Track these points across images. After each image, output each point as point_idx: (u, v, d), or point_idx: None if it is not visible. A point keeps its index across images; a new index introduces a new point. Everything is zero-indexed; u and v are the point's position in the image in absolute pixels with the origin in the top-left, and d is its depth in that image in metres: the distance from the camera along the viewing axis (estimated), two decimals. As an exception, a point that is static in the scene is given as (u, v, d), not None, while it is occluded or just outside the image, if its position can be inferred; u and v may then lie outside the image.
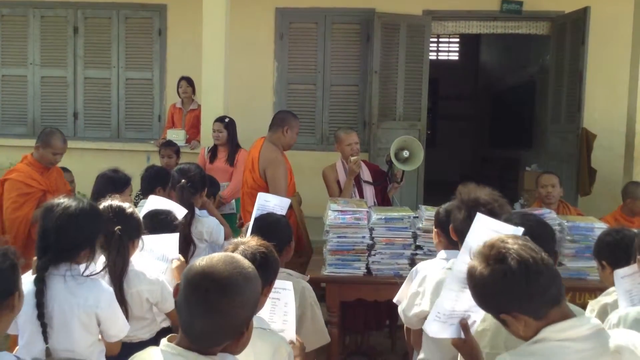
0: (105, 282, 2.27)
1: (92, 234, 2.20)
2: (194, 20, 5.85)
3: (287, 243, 2.59)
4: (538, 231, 1.99)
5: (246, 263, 1.45)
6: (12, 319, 1.76)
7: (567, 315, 1.51)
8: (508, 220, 1.99)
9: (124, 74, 7.04)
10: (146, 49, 7.00)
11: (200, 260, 1.43)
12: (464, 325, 1.82)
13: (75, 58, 7.05)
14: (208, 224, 3.37)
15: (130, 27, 7.00)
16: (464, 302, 1.78)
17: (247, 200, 4.12)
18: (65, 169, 4.83)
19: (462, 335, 1.82)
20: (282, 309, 2.08)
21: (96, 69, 7.06)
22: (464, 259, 1.70)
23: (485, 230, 1.79)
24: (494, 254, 1.51)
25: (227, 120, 5.03)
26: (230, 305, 1.36)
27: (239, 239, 2.04)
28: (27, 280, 2.13)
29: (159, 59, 6.99)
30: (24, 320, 2.11)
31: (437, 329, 1.83)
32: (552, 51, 6.88)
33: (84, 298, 2.13)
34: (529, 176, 6.85)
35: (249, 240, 2.01)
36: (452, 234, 2.38)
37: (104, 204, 2.47)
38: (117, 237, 2.37)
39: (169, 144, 5.37)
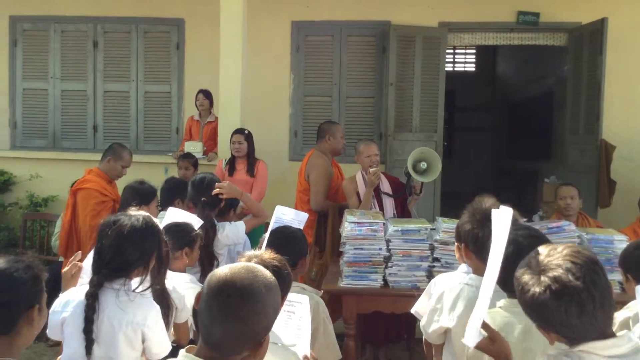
0: (153, 301, 2.29)
1: (147, 251, 2.22)
2: (212, 34, 5.92)
3: (302, 257, 2.59)
4: (528, 244, 1.92)
5: (267, 273, 1.46)
6: (32, 334, 1.71)
7: (605, 333, 1.48)
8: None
9: (143, 87, 7.13)
10: (164, 62, 7.09)
11: (223, 269, 1.45)
12: (485, 325, 1.77)
13: (95, 72, 7.16)
14: (223, 228, 3.39)
15: (149, 41, 7.10)
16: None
17: (298, 203, 4.73)
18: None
19: (485, 334, 1.76)
20: (296, 323, 2.07)
21: (115, 83, 7.16)
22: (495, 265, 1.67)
23: (504, 224, 1.73)
24: (554, 290, 1.45)
25: (247, 132, 5.06)
26: (251, 312, 1.37)
27: (252, 252, 2.04)
28: (77, 292, 2.17)
29: (177, 72, 7.07)
30: (71, 332, 2.13)
31: (472, 338, 1.78)
32: (569, 62, 6.84)
33: (133, 314, 2.15)
34: (548, 188, 6.79)
35: (261, 253, 2.02)
36: (465, 252, 2.33)
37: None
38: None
39: (187, 156, 5.42)
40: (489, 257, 1.74)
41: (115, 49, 7.14)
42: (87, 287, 2.18)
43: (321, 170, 4.66)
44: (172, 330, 2.55)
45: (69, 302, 2.17)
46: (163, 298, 2.43)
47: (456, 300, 2.25)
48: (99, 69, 7.16)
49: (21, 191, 6.66)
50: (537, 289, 1.47)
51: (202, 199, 3.40)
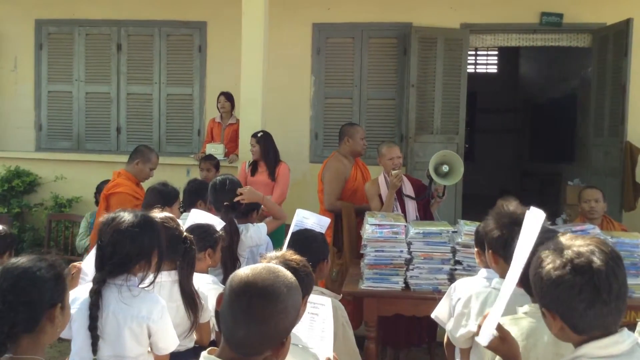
0: (158, 296, 2.32)
1: (146, 246, 2.23)
2: (233, 36, 5.96)
3: (322, 260, 2.58)
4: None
5: (288, 273, 1.47)
6: (55, 332, 1.75)
7: (608, 330, 1.46)
8: None
9: (165, 90, 7.21)
10: (187, 65, 7.16)
11: (244, 269, 1.46)
12: (498, 325, 1.75)
13: (119, 74, 7.25)
14: (247, 230, 3.41)
15: (172, 44, 7.17)
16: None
17: (320, 205, 4.83)
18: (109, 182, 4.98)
19: (496, 334, 1.75)
20: (319, 325, 2.07)
21: (138, 85, 7.25)
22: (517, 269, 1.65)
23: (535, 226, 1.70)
24: (575, 265, 1.44)
25: (259, 134, 5.04)
26: (273, 312, 1.38)
27: (274, 253, 2.05)
28: (84, 290, 2.20)
29: (198, 74, 7.13)
30: (77, 329, 2.16)
31: (487, 336, 1.76)
32: (593, 63, 6.75)
33: (137, 309, 2.17)
34: (572, 191, 6.70)
35: (283, 253, 2.02)
36: (488, 258, 2.31)
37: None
38: (190, 249, 2.48)
39: (209, 158, 5.47)
40: (513, 257, 1.72)
41: (139, 51, 7.23)
42: (87, 287, 2.21)
43: (334, 171, 4.77)
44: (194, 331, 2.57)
45: (76, 299, 2.19)
46: (191, 298, 2.45)
47: (484, 305, 2.24)
48: (122, 71, 7.25)
49: (46, 192, 6.76)
50: (558, 262, 1.46)
51: (225, 203, 3.42)
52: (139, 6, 7.14)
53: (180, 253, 2.49)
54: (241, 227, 3.42)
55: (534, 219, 1.64)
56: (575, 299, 1.43)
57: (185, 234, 2.56)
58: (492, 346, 1.72)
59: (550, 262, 1.48)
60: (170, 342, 2.27)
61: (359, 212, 4.58)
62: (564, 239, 1.54)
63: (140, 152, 4.58)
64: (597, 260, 1.44)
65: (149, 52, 7.20)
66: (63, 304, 1.76)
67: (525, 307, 1.90)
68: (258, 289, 1.39)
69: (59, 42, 7.36)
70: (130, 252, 2.19)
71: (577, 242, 1.50)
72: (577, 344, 1.49)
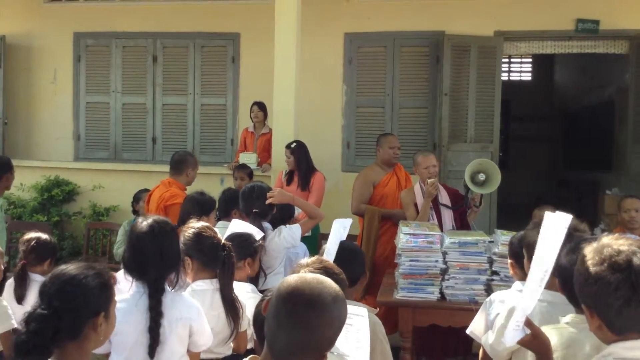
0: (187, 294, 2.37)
1: (170, 253, 2.30)
2: (266, 47, 6.02)
3: (363, 273, 2.61)
4: None
5: (335, 285, 1.48)
6: (98, 340, 1.77)
7: None
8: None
9: (200, 100, 7.31)
10: (220, 75, 7.25)
11: (293, 276, 1.48)
12: (528, 321, 1.74)
13: (154, 86, 7.39)
14: (280, 232, 3.43)
15: (206, 55, 7.28)
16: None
17: None
18: (146, 191, 5.11)
19: (528, 331, 1.75)
20: (354, 336, 2.06)
21: (173, 96, 7.37)
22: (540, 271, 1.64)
23: (557, 229, 1.67)
24: (614, 262, 1.45)
25: (293, 145, 5.09)
26: (317, 320, 1.39)
27: (305, 260, 2.06)
28: (123, 301, 2.22)
29: (232, 85, 7.22)
30: (123, 339, 2.17)
31: (514, 336, 1.76)
32: (631, 70, 6.62)
33: (179, 311, 2.22)
34: (610, 200, 6.55)
35: (319, 259, 2.04)
36: (526, 267, 2.28)
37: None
38: (229, 257, 2.52)
39: (243, 167, 5.52)
40: (534, 260, 1.70)
41: (174, 63, 7.36)
42: (125, 296, 2.23)
43: (362, 177, 4.96)
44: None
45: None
46: (233, 306, 2.48)
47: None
48: (158, 82, 7.38)
49: (84, 201, 6.91)
50: (597, 258, 1.48)
51: (254, 210, 3.45)
52: (174, 18, 7.28)
53: (220, 261, 2.52)
54: (274, 230, 3.45)
55: (558, 223, 1.63)
56: (612, 296, 1.43)
57: (223, 242, 2.58)
58: (523, 342, 1.74)
59: (590, 259, 1.50)
60: (208, 338, 2.33)
61: (385, 217, 4.69)
62: (607, 238, 1.55)
63: (187, 161, 4.61)
64: (637, 260, 1.44)
65: (183, 64, 7.32)
66: (107, 313, 1.78)
67: (568, 317, 1.88)
68: (305, 296, 1.41)
69: (97, 55, 7.54)
70: (172, 258, 2.25)
71: (619, 241, 1.51)
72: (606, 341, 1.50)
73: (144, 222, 2.31)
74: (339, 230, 2.78)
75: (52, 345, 1.67)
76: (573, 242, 1.90)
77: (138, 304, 2.19)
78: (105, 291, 1.78)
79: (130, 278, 2.30)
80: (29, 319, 1.66)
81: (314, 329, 1.39)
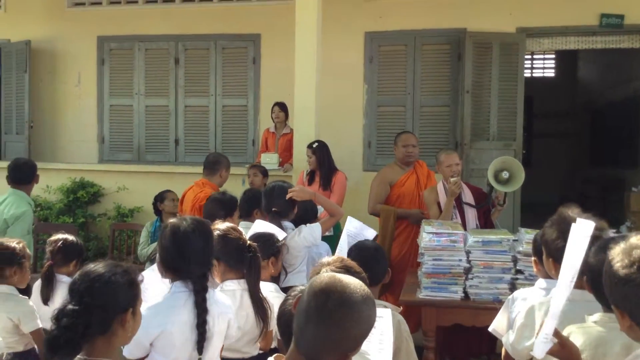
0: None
1: (209, 251, 2.35)
2: (286, 48, 6.04)
3: (385, 274, 2.60)
4: None
5: (365, 287, 1.50)
6: (126, 336, 1.81)
7: None
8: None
9: (221, 101, 7.37)
10: (241, 76, 7.30)
11: (327, 274, 1.52)
12: (555, 331, 1.74)
13: (177, 87, 7.47)
14: (300, 231, 3.45)
15: (227, 57, 7.33)
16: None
17: None
18: (170, 191, 5.17)
19: (555, 341, 1.74)
20: (377, 337, 2.05)
21: (195, 97, 7.44)
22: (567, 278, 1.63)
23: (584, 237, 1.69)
24: None
25: (314, 145, 5.09)
26: (346, 318, 1.41)
27: (327, 258, 2.07)
28: (163, 305, 2.24)
29: (253, 85, 7.26)
30: (170, 340, 2.17)
31: (543, 348, 1.76)
32: (658, 64, 6.51)
33: (219, 306, 2.27)
34: (635, 197, 6.46)
35: (340, 258, 2.04)
36: (546, 264, 2.27)
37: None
38: (255, 258, 2.56)
39: (256, 164, 5.62)
40: (562, 268, 1.71)
41: (195, 65, 7.43)
42: (161, 297, 2.26)
43: (379, 176, 4.97)
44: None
45: (158, 315, 2.22)
46: (261, 305, 2.50)
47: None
48: (180, 84, 7.46)
49: (109, 202, 7.00)
50: (626, 261, 1.49)
51: (273, 208, 3.46)
52: (196, 21, 7.35)
53: (246, 262, 2.54)
54: (295, 229, 3.47)
55: (583, 230, 1.66)
56: None
57: (249, 242, 2.61)
58: (553, 353, 1.73)
59: (619, 261, 1.51)
60: (236, 331, 2.39)
61: (401, 217, 4.68)
62: (635, 239, 1.55)
63: (221, 162, 4.74)
64: None
65: (205, 65, 7.38)
66: (134, 309, 1.82)
67: (596, 316, 1.86)
68: (337, 292, 1.43)
69: (120, 58, 7.64)
70: (210, 256, 2.31)
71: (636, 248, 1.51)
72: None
73: (184, 222, 2.31)
74: (352, 229, 2.79)
75: (82, 340, 1.71)
76: (600, 241, 1.88)
77: (186, 302, 2.21)
78: (133, 288, 1.83)
79: (163, 278, 2.33)
80: (60, 315, 1.72)
81: (342, 325, 1.41)
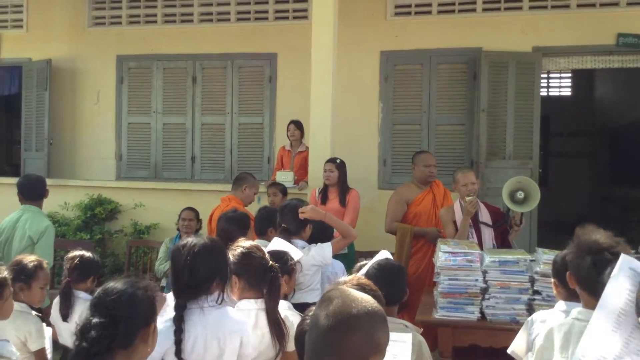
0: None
1: (218, 265, 2.33)
2: (302, 66, 6.09)
3: (405, 294, 2.59)
4: None
5: (375, 303, 1.49)
6: (146, 351, 1.82)
7: None
8: None
9: (237, 119, 7.43)
10: (258, 95, 7.36)
11: (336, 288, 1.53)
12: None
13: (194, 106, 7.55)
14: (309, 249, 3.44)
15: (243, 76, 7.41)
16: (614, 346, 1.68)
17: None
18: (191, 208, 5.23)
19: None
20: None
21: (212, 116, 7.51)
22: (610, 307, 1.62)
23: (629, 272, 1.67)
24: None
25: (338, 161, 5.16)
26: (342, 325, 1.41)
27: (343, 278, 2.06)
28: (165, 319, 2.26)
29: (269, 104, 7.31)
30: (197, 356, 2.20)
31: None
32: (676, 83, 6.46)
33: (229, 325, 2.26)
34: (655, 217, 6.36)
35: (356, 278, 2.03)
36: (570, 283, 2.25)
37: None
38: (276, 278, 2.56)
39: (276, 183, 5.61)
40: (600, 301, 1.68)
41: (212, 83, 7.51)
42: (169, 315, 2.27)
43: (395, 195, 5.01)
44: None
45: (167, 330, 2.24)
46: (278, 326, 2.49)
47: (568, 337, 2.15)
48: (197, 103, 7.54)
49: (126, 219, 7.05)
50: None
51: (282, 225, 3.47)
52: (213, 40, 7.44)
53: (266, 282, 2.54)
54: (305, 247, 3.47)
55: (626, 266, 1.64)
56: None
57: (271, 262, 2.61)
58: None
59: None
60: (252, 349, 2.37)
61: (417, 235, 4.72)
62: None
63: (245, 178, 5.04)
64: None
65: (222, 84, 7.46)
66: (155, 324, 1.86)
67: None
68: (339, 297, 1.45)
69: (139, 76, 7.75)
70: (205, 273, 2.28)
71: None
72: None
73: (182, 242, 2.37)
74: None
75: (106, 354, 1.73)
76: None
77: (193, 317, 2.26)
78: (153, 304, 1.86)
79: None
80: (87, 328, 1.73)
81: (339, 332, 1.40)
